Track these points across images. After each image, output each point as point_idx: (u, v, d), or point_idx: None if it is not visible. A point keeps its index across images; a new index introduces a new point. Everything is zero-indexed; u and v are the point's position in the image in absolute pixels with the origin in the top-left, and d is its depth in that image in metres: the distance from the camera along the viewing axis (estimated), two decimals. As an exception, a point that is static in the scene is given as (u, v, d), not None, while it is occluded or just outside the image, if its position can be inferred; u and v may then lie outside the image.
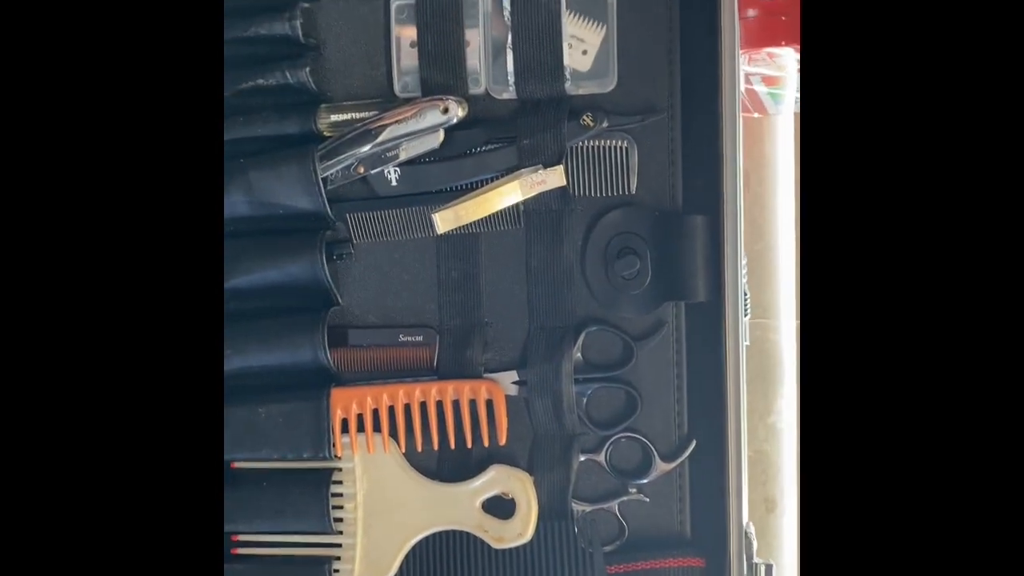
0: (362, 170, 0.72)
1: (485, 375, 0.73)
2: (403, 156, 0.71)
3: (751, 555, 0.70)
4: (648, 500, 0.73)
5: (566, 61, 0.71)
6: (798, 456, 0.59)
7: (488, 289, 0.73)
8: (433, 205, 0.71)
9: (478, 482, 0.72)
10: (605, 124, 0.71)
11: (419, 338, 0.74)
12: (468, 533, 0.72)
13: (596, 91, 0.71)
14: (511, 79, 0.72)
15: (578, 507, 0.73)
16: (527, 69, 0.71)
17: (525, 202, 0.71)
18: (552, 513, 0.72)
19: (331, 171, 0.71)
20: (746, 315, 0.71)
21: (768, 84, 0.91)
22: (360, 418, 0.72)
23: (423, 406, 0.72)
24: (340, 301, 0.73)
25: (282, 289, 0.72)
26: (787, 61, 0.89)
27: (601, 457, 0.73)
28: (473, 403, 0.72)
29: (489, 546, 0.72)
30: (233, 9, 0.70)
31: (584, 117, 0.71)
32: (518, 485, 0.72)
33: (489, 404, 0.72)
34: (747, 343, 0.71)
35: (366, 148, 0.71)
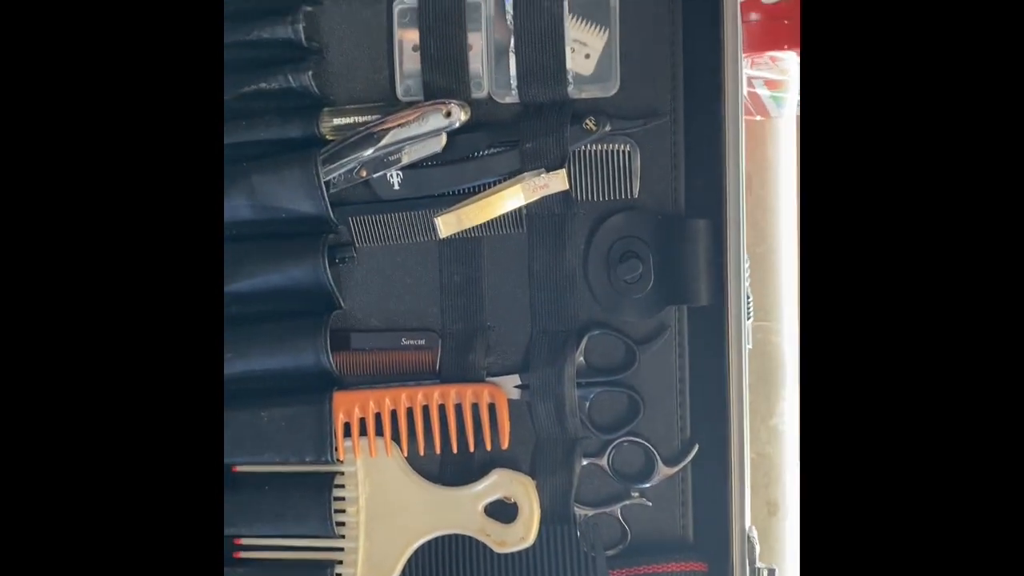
0: (364, 174, 0.72)
1: (487, 379, 0.73)
2: (405, 160, 0.71)
3: (754, 559, 0.70)
4: (650, 504, 0.73)
5: (569, 65, 0.71)
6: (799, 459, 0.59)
7: (490, 293, 0.73)
8: (435, 209, 0.71)
9: (480, 486, 0.72)
10: (608, 128, 0.71)
11: (421, 342, 0.74)
12: (470, 537, 0.72)
13: (599, 95, 0.71)
14: (514, 83, 0.72)
15: (580, 511, 0.73)
16: (530, 73, 0.71)
17: (527, 206, 0.71)
18: (554, 517, 0.72)
19: (333, 175, 0.71)
20: (749, 318, 0.71)
21: (770, 87, 0.91)
22: (362, 422, 0.72)
23: (425, 410, 0.72)
24: (342, 305, 0.73)
25: (284, 293, 0.72)
26: (789, 65, 0.89)
27: (603, 461, 0.73)
28: (475, 407, 0.72)
29: (491, 550, 0.72)
30: (236, 13, 0.70)
31: (587, 121, 0.71)
32: (520, 489, 0.72)
33: (491, 408, 0.72)
34: (750, 346, 0.71)
35: (369, 152, 0.71)
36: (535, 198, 0.71)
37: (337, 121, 0.72)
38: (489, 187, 0.72)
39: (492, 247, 0.73)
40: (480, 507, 0.72)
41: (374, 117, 0.71)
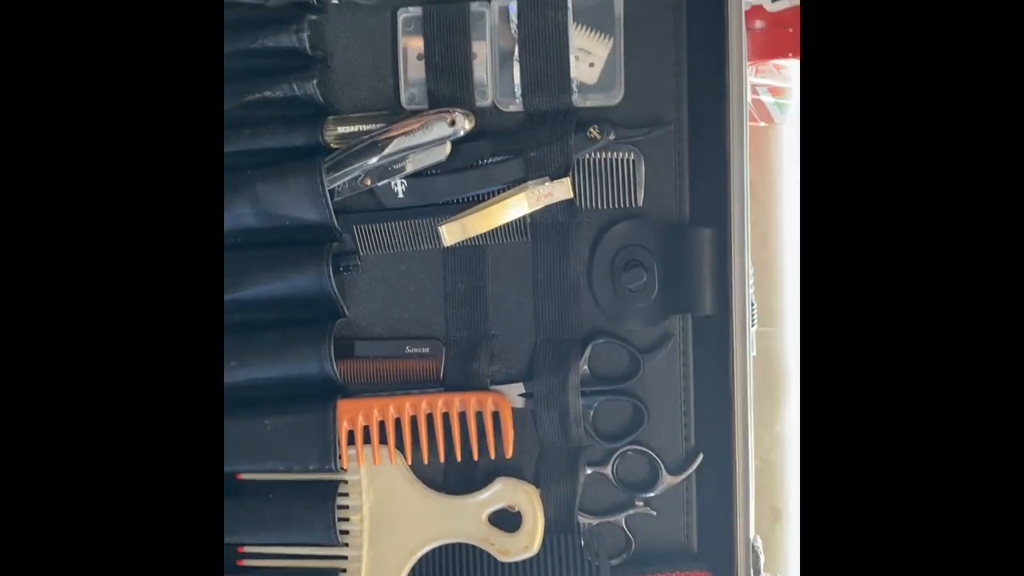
0: (369, 182, 0.72)
1: (491, 387, 0.73)
2: (410, 168, 0.71)
3: (758, 569, 0.70)
4: (655, 513, 0.73)
5: (573, 73, 0.71)
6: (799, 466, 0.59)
7: (495, 301, 0.73)
8: (440, 217, 0.71)
9: (484, 495, 0.72)
10: (612, 136, 0.71)
11: (425, 350, 0.74)
12: (474, 546, 0.72)
13: (603, 103, 0.71)
14: (518, 91, 0.72)
15: (584, 520, 0.73)
16: (534, 81, 0.71)
17: (532, 214, 0.71)
18: (558, 526, 0.72)
19: (338, 183, 0.71)
20: (753, 325, 0.71)
21: (775, 94, 0.91)
22: (366, 430, 0.72)
23: (429, 418, 0.72)
24: (347, 313, 0.73)
25: (289, 301, 0.72)
26: (793, 72, 0.89)
27: (608, 470, 0.73)
28: (479, 415, 0.72)
29: (495, 559, 0.72)
30: (240, 21, 0.71)
31: (591, 129, 0.71)
32: (524, 498, 0.72)
33: (495, 416, 0.72)
34: (754, 354, 0.71)
35: (373, 160, 0.71)
36: (539, 206, 0.71)
37: (341, 129, 0.72)
38: (493, 195, 0.72)
39: (496, 255, 0.73)
40: (484, 516, 0.72)
41: (378, 125, 0.71)
